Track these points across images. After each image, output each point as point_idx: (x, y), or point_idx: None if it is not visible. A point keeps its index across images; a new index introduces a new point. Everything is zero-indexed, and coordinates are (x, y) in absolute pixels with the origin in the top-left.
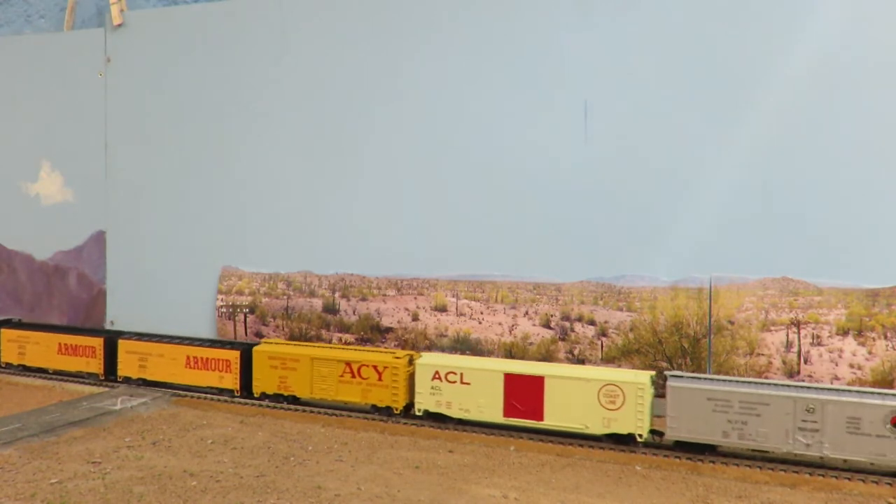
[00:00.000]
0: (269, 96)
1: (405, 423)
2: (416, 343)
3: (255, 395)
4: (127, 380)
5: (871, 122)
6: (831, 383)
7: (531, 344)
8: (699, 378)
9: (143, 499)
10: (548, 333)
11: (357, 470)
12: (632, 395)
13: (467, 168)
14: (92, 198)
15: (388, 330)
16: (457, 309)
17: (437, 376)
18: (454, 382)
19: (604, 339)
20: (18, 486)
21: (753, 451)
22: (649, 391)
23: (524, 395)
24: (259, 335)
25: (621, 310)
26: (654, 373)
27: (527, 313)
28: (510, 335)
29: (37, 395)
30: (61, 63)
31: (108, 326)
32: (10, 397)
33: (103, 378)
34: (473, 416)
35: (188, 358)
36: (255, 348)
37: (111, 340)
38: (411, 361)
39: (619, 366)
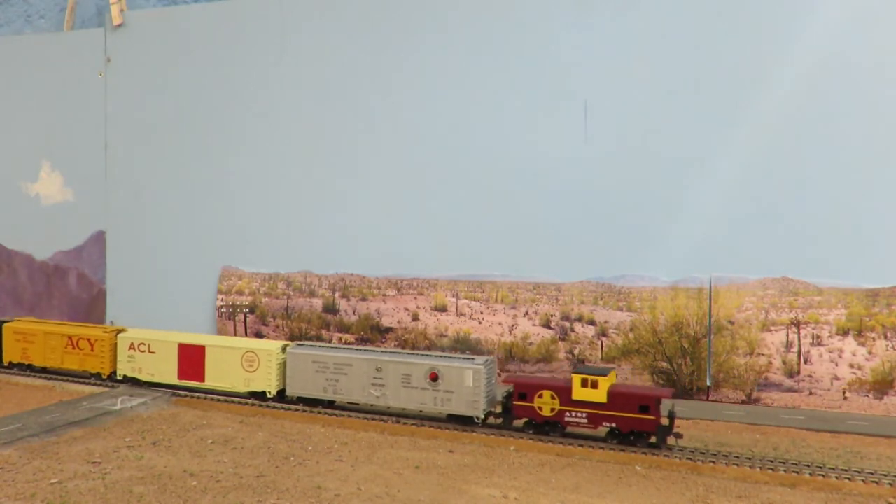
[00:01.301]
0: (269, 96)
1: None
2: (417, 343)
3: (4, 364)
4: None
5: (871, 123)
6: (831, 384)
7: (531, 344)
8: (308, 345)
9: (143, 499)
10: (548, 333)
11: (357, 470)
12: (264, 361)
13: (467, 168)
14: (92, 198)
15: (388, 330)
16: (457, 309)
17: (132, 347)
18: (144, 352)
19: (604, 338)
20: (18, 486)
21: (348, 402)
22: (277, 357)
23: (192, 361)
24: (259, 335)
25: (621, 310)
26: (285, 342)
27: (527, 313)
28: (510, 335)
29: (37, 395)
30: (61, 63)
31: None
32: (10, 397)
33: None
34: (157, 379)
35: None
36: (4, 325)
37: None
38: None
39: (619, 366)
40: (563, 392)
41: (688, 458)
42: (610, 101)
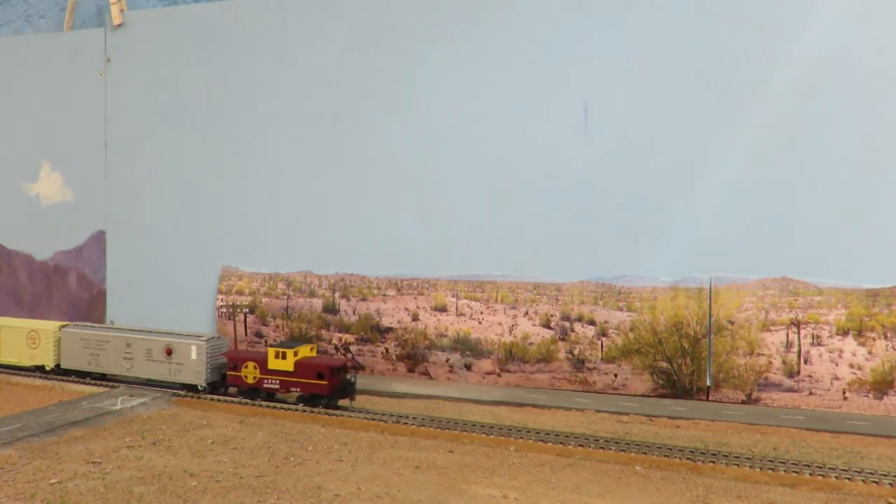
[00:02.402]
0: (269, 96)
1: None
2: (417, 343)
3: None
4: None
5: (871, 123)
6: (831, 384)
7: (531, 344)
8: (79, 326)
9: (143, 499)
10: (548, 333)
11: (357, 470)
12: (44, 338)
13: (467, 168)
14: (92, 198)
15: (388, 330)
16: (457, 309)
17: None
18: None
19: (604, 338)
20: (18, 486)
21: (108, 374)
22: (55, 336)
23: None
24: (259, 335)
25: (621, 310)
26: (63, 323)
27: (527, 313)
28: (510, 335)
29: (37, 395)
30: (61, 63)
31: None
32: (10, 397)
33: None
34: None
35: None
36: None
37: None
38: None
39: (619, 366)
40: (262, 363)
41: (688, 459)
42: (610, 101)
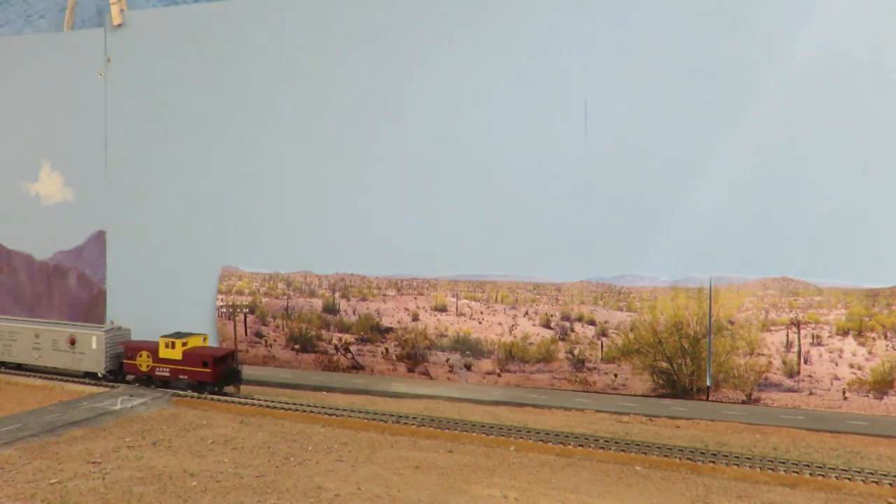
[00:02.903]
0: (269, 96)
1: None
2: (417, 343)
3: None
4: None
5: (871, 123)
6: (831, 384)
7: (531, 344)
8: None
9: (143, 499)
10: (548, 333)
11: (357, 470)
12: None
13: (467, 168)
14: (92, 198)
15: (389, 330)
16: (457, 309)
17: None
18: None
19: (604, 339)
20: (18, 486)
21: (20, 363)
22: None
23: None
24: (259, 335)
25: (621, 310)
26: None
27: (527, 313)
28: (510, 335)
29: (37, 395)
30: (61, 63)
31: (108, 326)
32: (10, 397)
33: None
34: None
35: None
36: None
37: None
38: None
39: (619, 366)
40: (154, 352)
41: (688, 459)
42: (610, 101)
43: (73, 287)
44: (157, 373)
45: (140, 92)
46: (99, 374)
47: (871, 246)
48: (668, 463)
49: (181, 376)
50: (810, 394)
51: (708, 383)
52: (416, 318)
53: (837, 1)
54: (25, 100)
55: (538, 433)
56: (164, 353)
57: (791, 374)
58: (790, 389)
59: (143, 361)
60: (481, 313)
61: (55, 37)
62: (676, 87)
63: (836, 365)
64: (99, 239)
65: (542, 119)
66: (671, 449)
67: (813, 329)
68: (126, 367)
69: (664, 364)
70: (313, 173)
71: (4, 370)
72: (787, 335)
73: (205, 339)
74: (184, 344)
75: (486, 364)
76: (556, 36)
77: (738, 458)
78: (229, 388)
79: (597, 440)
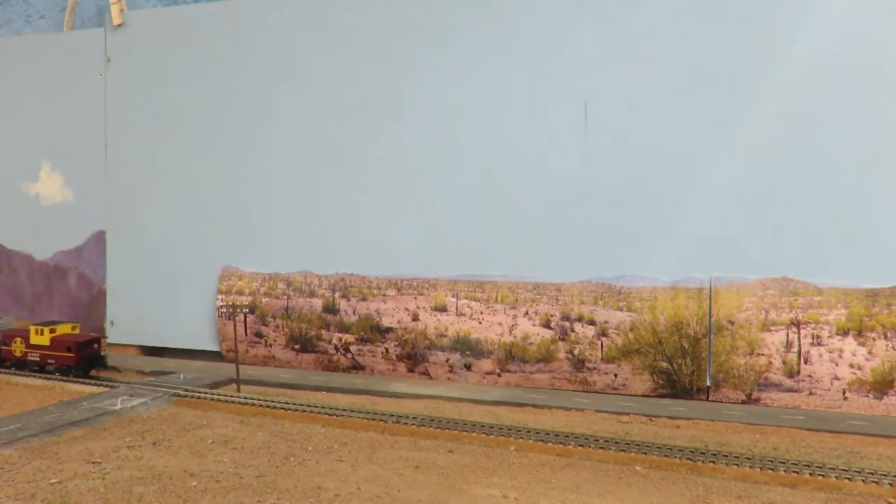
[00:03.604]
0: (269, 96)
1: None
2: (417, 343)
3: None
4: None
5: (870, 123)
6: (831, 384)
7: (531, 344)
8: None
9: (143, 499)
10: (548, 333)
11: (357, 470)
12: None
13: (467, 168)
14: (92, 198)
15: (389, 330)
16: (457, 309)
17: None
18: None
19: (604, 339)
20: (18, 486)
21: None
22: None
23: None
24: (259, 335)
25: (621, 310)
26: None
27: (527, 313)
28: (510, 335)
29: (37, 395)
30: (61, 63)
31: (108, 326)
32: (10, 397)
33: None
34: None
35: None
36: None
37: None
38: None
39: (619, 366)
40: (26, 338)
41: (688, 459)
42: (610, 101)
43: (73, 287)
44: (28, 357)
45: (140, 92)
46: None
47: (871, 246)
48: (668, 463)
49: (49, 361)
50: (810, 394)
51: (708, 383)
52: (416, 318)
53: (837, 1)
54: (25, 100)
55: (538, 433)
56: (34, 339)
57: (791, 374)
58: (790, 389)
59: (17, 347)
60: (481, 313)
61: (55, 37)
62: (676, 87)
63: (836, 365)
64: (99, 239)
65: (542, 119)
66: (671, 449)
67: (813, 329)
68: (3, 353)
69: (664, 364)
70: (313, 173)
71: (4, 370)
72: (787, 335)
73: (74, 328)
74: (52, 331)
75: (486, 364)
76: (556, 36)
77: (738, 458)
78: (93, 372)
79: (597, 440)
